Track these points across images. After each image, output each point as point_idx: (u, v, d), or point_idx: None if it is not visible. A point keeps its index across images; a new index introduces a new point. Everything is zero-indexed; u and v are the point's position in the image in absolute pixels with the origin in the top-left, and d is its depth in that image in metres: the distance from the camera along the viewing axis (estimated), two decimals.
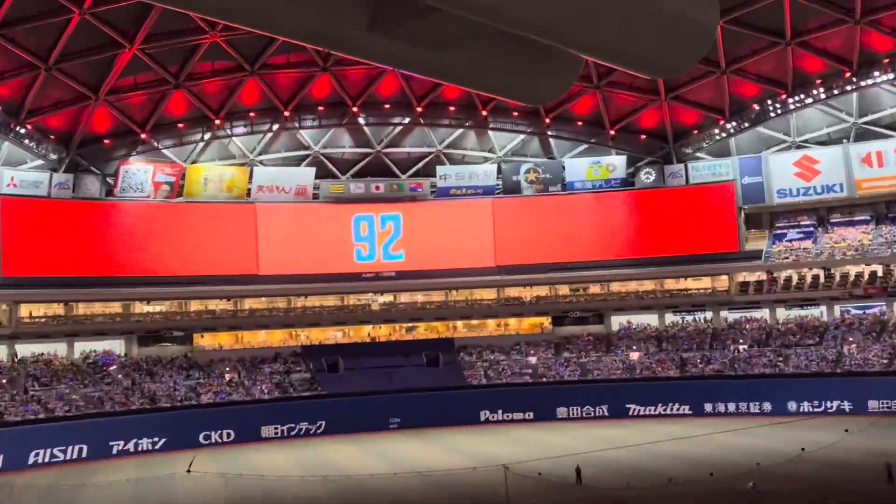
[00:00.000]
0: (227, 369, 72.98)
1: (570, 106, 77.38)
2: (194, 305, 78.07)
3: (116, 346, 74.03)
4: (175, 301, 77.37)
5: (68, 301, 73.12)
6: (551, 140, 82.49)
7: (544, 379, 74.42)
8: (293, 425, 67.66)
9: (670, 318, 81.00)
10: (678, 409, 69.12)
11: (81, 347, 72.69)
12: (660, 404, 69.65)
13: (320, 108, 75.35)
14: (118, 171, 73.10)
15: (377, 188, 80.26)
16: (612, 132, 79.45)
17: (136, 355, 73.70)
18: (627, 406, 70.17)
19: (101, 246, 72.42)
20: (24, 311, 71.15)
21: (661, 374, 73.19)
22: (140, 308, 76.33)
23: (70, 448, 59.47)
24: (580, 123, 79.73)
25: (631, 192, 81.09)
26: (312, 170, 79.82)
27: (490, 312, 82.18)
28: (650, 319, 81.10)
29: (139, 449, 62.36)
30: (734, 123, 75.98)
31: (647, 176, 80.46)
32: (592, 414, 70.29)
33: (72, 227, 71.67)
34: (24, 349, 70.07)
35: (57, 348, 71.57)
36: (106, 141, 71.78)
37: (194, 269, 74.99)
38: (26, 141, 65.54)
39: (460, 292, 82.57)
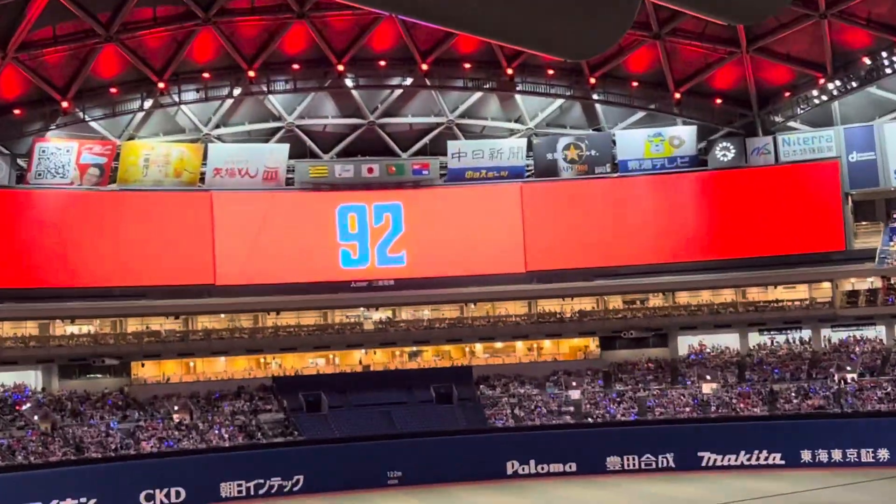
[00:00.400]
0: (176, 408, 73.20)
1: (622, 61, 77.63)
2: (132, 325, 78.40)
3: (31, 378, 74.05)
4: (107, 319, 77.88)
5: None
6: (598, 106, 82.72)
7: (590, 419, 74.75)
8: (262, 481, 67.72)
9: (755, 338, 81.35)
10: (767, 458, 69.33)
11: None
12: (742, 452, 69.77)
13: (295, 66, 75.62)
14: (32, 150, 73.30)
15: (370, 171, 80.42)
16: (678, 95, 79.40)
17: (57, 390, 73.96)
18: (700, 454, 70.43)
19: (8, 248, 72.70)
20: None
21: (743, 413, 73.23)
22: (61, 329, 76.69)
23: None
24: (636, 84, 79.93)
25: (703, 174, 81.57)
26: (286, 147, 79.94)
27: (519, 332, 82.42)
28: (729, 340, 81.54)
29: None
30: (838, 83, 76.06)
31: (723, 153, 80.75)
32: (654, 465, 70.73)
33: None
34: None
35: None
36: (16, 111, 71.99)
37: (132, 277, 75.43)
38: None
39: (480, 306, 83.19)
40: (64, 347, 75.00)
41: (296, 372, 79.85)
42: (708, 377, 76.84)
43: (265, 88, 76.76)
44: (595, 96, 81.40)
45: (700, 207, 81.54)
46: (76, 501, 62.71)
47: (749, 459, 69.35)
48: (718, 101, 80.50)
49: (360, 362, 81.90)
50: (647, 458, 70.66)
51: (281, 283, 77.49)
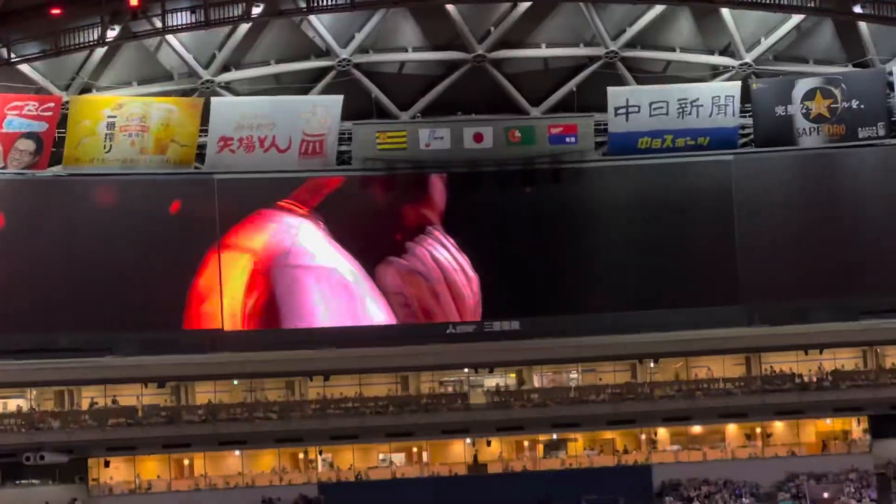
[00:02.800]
0: None
1: None
2: (90, 397, 68.39)
3: None
4: (50, 390, 68.48)
5: None
6: (862, 27, 68.77)
7: None
8: None
9: None
10: None
11: None
12: None
13: None
14: None
15: (478, 138, 68.53)
16: None
17: None
18: None
19: None
20: None
21: None
22: None
23: None
24: None
25: None
26: (338, 100, 67.80)
27: (730, 408, 69.77)
28: None
29: None
30: None
31: None
32: None
33: None
34: None
35: None
36: None
37: (88, 323, 65.33)
38: None
39: (663, 364, 71.59)
40: None
41: (357, 475, 68.40)
42: None
43: (303, 4, 62.93)
44: (857, 9, 64.86)
45: None
46: None
47: None
48: None
49: (475, 460, 70.20)
50: None
51: (328, 327, 66.59)
